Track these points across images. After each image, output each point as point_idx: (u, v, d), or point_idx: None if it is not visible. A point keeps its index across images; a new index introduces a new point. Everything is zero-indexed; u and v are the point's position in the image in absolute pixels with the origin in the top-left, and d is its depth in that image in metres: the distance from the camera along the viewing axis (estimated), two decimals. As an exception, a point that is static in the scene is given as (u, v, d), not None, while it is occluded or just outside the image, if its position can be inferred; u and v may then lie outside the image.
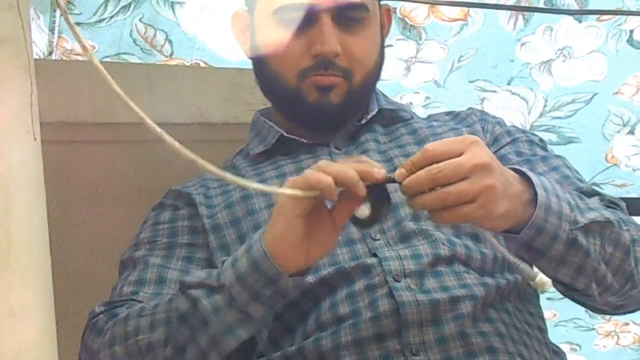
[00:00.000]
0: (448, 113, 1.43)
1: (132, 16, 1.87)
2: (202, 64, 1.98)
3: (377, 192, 0.99)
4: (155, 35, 1.92)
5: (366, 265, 1.16)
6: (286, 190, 0.98)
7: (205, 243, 1.27)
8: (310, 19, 1.26)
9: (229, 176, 0.92)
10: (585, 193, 1.21)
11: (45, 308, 1.03)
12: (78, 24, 1.84)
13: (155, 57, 1.95)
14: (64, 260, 1.65)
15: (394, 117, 1.37)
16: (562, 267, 1.07)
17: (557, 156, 1.31)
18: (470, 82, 2.13)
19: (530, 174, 1.05)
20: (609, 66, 2.12)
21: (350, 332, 1.12)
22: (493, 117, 1.39)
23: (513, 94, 2.17)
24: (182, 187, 1.35)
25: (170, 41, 1.94)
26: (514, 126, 1.39)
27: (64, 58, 1.90)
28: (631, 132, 2.29)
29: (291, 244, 1.01)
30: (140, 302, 1.20)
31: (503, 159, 1.27)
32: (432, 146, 0.97)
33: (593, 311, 1.25)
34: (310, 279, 1.15)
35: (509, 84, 2.15)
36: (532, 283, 0.98)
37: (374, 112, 1.34)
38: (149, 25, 1.90)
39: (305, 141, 1.33)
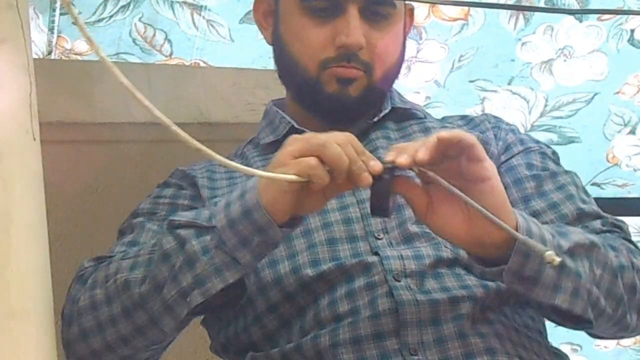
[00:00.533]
0: (462, 117, 1.41)
1: (131, 16, 1.87)
2: (202, 64, 1.97)
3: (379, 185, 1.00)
4: (154, 34, 1.92)
5: (367, 263, 1.15)
6: (281, 176, 0.99)
7: None
8: (337, 9, 1.25)
9: (239, 166, 0.94)
10: (587, 214, 1.21)
11: (45, 308, 1.03)
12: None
13: (154, 57, 1.95)
14: (64, 260, 1.65)
15: (406, 116, 1.37)
16: (558, 293, 1.05)
17: (567, 172, 1.29)
18: (471, 81, 2.13)
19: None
20: (610, 66, 2.12)
21: (349, 330, 1.11)
22: (507, 124, 1.38)
23: (514, 93, 2.17)
24: (188, 169, 1.35)
25: (169, 41, 1.94)
26: (527, 135, 1.38)
27: (63, 58, 1.90)
28: (632, 132, 2.28)
29: (282, 206, 1.02)
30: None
31: (513, 170, 1.28)
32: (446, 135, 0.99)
33: (593, 337, 1.24)
34: (309, 272, 1.16)
35: (509, 83, 2.15)
36: (543, 257, 0.95)
37: (386, 110, 1.34)
38: (148, 24, 1.90)
39: None
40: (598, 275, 1.08)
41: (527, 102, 2.18)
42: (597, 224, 1.20)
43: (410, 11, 1.38)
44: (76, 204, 1.68)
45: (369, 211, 1.03)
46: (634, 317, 1.15)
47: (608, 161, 2.33)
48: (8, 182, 0.99)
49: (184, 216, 1.10)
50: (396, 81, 1.36)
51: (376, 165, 0.99)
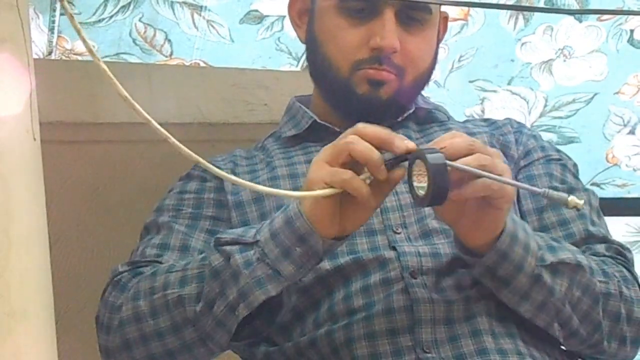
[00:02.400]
0: (484, 120, 1.43)
1: (131, 16, 1.87)
2: (202, 64, 1.97)
3: (431, 160, 0.96)
4: (154, 35, 1.92)
5: (384, 258, 1.16)
6: (311, 194, 1.00)
7: (228, 218, 1.28)
8: (373, 11, 1.26)
9: (232, 178, 0.94)
10: (594, 237, 1.23)
11: (45, 308, 1.03)
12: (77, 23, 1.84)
13: (155, 57, 1.95)
14: (64, 260, 1.65)
15: (429, 117, 1.37)
16: (525, 302, 1.09)
17: (585, 189, 1.31)
18: (471, 82, 2.13)
19: None
20: (610, 66, 2.12)
21: (363, 326, 1.12)
22: (529, 129, 1.39)
23: (513, 93, 2.17)
24: (212, 160, 1.35)
25: (169, 41, 1.94)
26: (549, 143, 1.39)
27: (64, 58, 1.90)
28: (632, 132, 2.28)
29: (323, 216, 1.02)
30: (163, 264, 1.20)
31: (532, 179, 1.29)
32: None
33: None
34: (326, 265, 1.16)
35: (509, 83, 2.15)
36: (566, 205, 0.96)
37: (410, 111, 1.34)
38: (148, 25, 1.90)
39: (337, 129, 1.32)
40: (576, 297, 1.10)
41: (527, 102, 2.18)
42: (601, 247, 1.22)
43: (445, 19, 1.39)
44: (76, 204, 1.68)
45: (423, 201, 0.99)
46: (613, 345, 1.16)
47: (608, 161, 2.33)
48: (8, 182, 0.98)
49: (230, 233, 1.11)
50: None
51: (409, 143, 0.99)
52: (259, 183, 1.28)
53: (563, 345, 1.16)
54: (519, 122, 1.41)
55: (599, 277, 1.13)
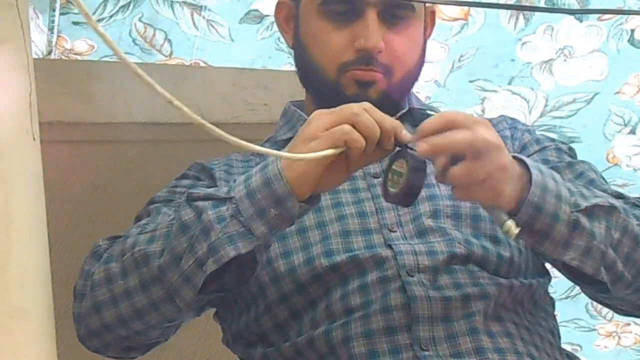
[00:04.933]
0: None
1: (131, 15, 1.87)
2: (202, 64, 1.97)
3: (413, 162, 1.01)
4: (154, 34, 1.92)
5: (380, 257, 1.16)
6: (318, 154, 1.01)
7: None
8: (356, 12, 1.26)
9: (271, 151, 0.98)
10: (609, 194, 1.20)
11: (45, 308, 1.03)
12: (77, 23, 1.84)
13: (154, 57, 1.95)
14: (64, 260, 1.65)
15: (423, 117, 1.37)
16: (568, 250, 1.06)
17: (583, 162, 1.30)
18: (471, 81, 2.13)
19: (526, 158, 1.06)
20: (610, 66, 2.12)
21: (361, 324, 1.12)
22: (523, 124, 1.39)
23: (514, 93, 2.17)
24: (207, 163, 1.36)
25: (169, 41, 1.94)
26: (543, 135, 1.39)
27: (63, 57, 1.90)
28: (632, 132, 2.28)
29: (308, 179, 1.04)
30: None
31: None
32: (450, 114, 1.01)
33: (616, 312, 1.24)
34: (323, 263, 1.17)
35: (509, 83, 2.15)
36: (500, 227, 1.00)
37: (403, 111, 1.34)
38: (148, 24, 1.90)
39: None
40: (616, 239, 1.09)
41: (527, 102, 2.18)
42: (619, 202, 1.18)
43: (432, 13, 1.38)
44: (76, 204, 1.68)
45: (395, 198, 1.04)
46: None
47: (608, 161, 2.33)
48: (8, 182, 0.99)
49: (203, 189, 1.11)
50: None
51: (407, 136, 1.02)
52: None
53: (610, 290, 1.12)
54: (512, 118, 1.41)
55: (632, 219, 1.12)
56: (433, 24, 1.40)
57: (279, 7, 1.40)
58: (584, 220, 1.05)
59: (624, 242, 1.09)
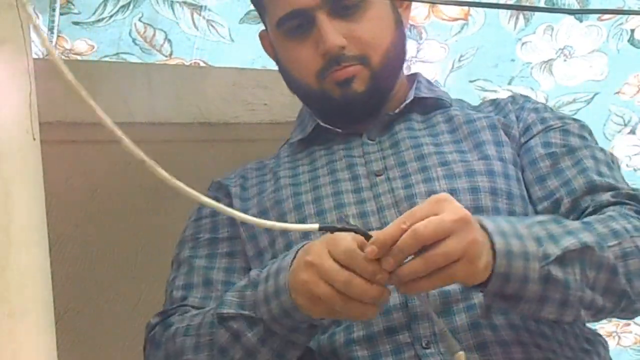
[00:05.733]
0: (492, 102, 1.40)
1: (131, 15, 1.87)
2: (202, 64, 1.97)
3: None
4: (154, 34, 1.92)
5: None
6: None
7: (240, 234, 1.30)
8: (308, 21, 1.27)
9: (214, 203, 0.91)
10: (598, 187, 1.19)
11: (45, 308, 1.03)
12: (77, 23, 1.84)
13: (154, 57, 1.95)
14: (64, 260, 1.65)
15: (432, 105, 1.36)
16: (545, 305, 1.03)
17: (588, 146, 1.26)
18: (471, 81, 2.13)
19: (486, 222, 1.01)
20: (610, 66, 2.12)
21: (363, 328, 1.13)
22: (533, 102, 1.36)
23: (514, 93, 2.17)
24: (223, 179, 1.38)
25: (169, 41, 1.94)
26: (552, 112, 1.34)
27: (63, 58, 1.90)
28: (632, 132, 2.28)
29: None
30: (190, 307, 1.23)
31: (530, 151, 1.27)
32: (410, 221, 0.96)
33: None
34: None
35: (509, 83, 2.15)
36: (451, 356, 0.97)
37: (408, 101, 1.34)
38: (148, 24, 1.90)
39: (339, 131, 1.33)
40: (592, 278, 1.05)
41: (527, 102, 2.18)
42: (606, 196, 1.18)
43: None
44: (76, 204, 1.68)
45: None
46: None
47: (608, 161, 2.33)
48: (8, 182, 0.98)
49: (229, 304, 1.11)
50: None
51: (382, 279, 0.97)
52: (264, 196, 1.31)
53: (592, 322, 1.12)
54: (524, 97, 1.39)
55: (609, 241, 1.08)
56: None
57: (261, 40, 1.42)
58: (555, 272, 1.02)
59: (600, 278, 1.06)
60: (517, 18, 2.00)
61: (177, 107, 1.71)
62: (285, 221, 1.22)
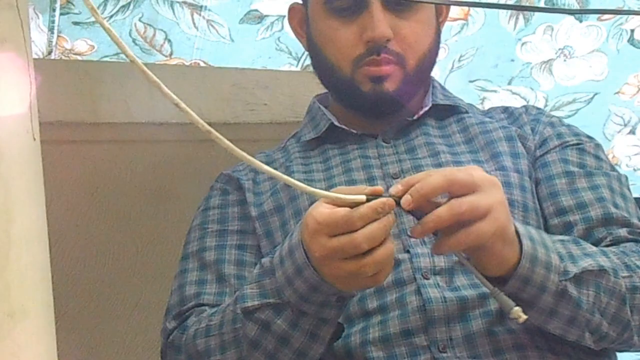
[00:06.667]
0: (505, 109, 1.41)
1: (131, 16, 1.87)
2: (202, 64, 1.97)
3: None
4: (154, 34, 1.92)
5: (397, 260, 1.16)
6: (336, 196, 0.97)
7: (253, 229, 1.29)
8: (360, 5, 1.27)
9: (278, 174, 0.94)
10: (614, 220, 1.20)
11: (45, 308, 1.03)
12: (77, 23, 1.84)
13: (154, 57, 1.95)
14: (64, 260, 1.65)
15: (448, 112, 1.36)
16: (553, 318, 1.05)
17: (606, 174, 1.27)
18: (471, 81, 2.13)
19: (517, 223, 1.03)
20: (610, 66, 2.12)
21: (379, 329, 1.13)
22: (548, 116, 1.37)
23: (514, 93, 2.17)
24: (233, 171, 1.37)
25: (169, 41, 1.94)
26: (568, 127, 1.36)
27: (63, 57, 1.90)
28: (632, 132, 2.28)
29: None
30: (205, 304, 1.23)
31: (547, 166, 1.27)
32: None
33: None
34: None
35: (509, 83, 2.15)
36: (508, 313, 0.97)
37: (427, 108, 1.34)
38: (148, 24, 1.90)
39: (354, 131, 1.33)
40: (604, 303, 1.07)
41: (527, 102, 2.18)
42: (622, 231, 1.19)
43: None
44: (76, 204, 1.68)
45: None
46: None
47: (608, 161, 2.33)
48: (8, 182, 0.98)
49: (252, 297, 1.10)
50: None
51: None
52: (277, 189, 1.30)
53: (594, 347, 1.12)
54: (538, 109, 1.39)
55: (622, 272, 1.10)
56: (448, 7, 1.39)
57: (291, 13, 1.41)
58: (571, 289, 1.03)
59: (612, 304, 1.07)
60: (517, 18, 2.00)
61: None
62: (300, 219, 1.22)
